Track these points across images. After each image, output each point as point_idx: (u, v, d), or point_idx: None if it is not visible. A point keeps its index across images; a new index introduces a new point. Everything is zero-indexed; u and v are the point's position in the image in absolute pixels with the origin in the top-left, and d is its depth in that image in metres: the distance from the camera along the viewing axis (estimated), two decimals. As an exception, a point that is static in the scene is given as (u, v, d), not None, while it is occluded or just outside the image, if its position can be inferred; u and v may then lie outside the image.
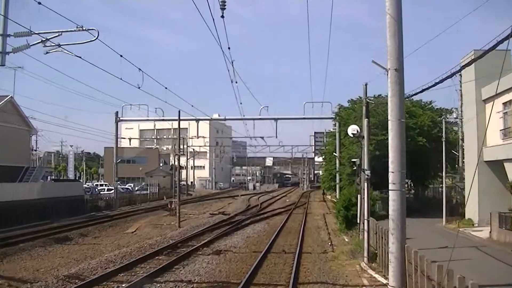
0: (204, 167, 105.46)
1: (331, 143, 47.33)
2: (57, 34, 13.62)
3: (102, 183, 65.50)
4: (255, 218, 31.89)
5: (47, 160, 36.71)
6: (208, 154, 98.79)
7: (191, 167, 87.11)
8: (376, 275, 12.85)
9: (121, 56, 14.64)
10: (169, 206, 34.57)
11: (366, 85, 18.26)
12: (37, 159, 35.56)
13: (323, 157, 55.28)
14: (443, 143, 27.91)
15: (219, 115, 52.60)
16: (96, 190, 51.34)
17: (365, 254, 14.73)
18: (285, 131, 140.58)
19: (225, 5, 11.61)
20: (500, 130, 24.16)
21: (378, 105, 27.82)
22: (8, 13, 13.20)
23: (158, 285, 12.16)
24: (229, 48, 14.80)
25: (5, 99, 32.23)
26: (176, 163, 56.21)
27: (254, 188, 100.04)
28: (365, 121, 15.52)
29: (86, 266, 14.59)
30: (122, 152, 79.20)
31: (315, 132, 68.19)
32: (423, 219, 27.74)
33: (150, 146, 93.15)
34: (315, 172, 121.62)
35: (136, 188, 62.84)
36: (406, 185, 36.05)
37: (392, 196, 9.91)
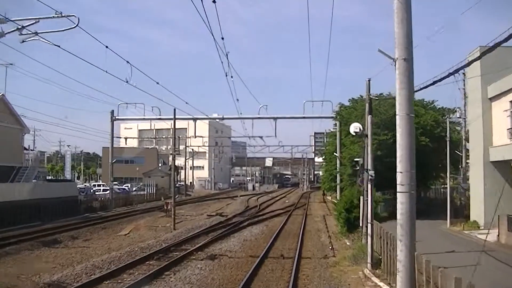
0: (203, 167, 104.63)
1: (331, 143, 46.46)
2: (34, 21, 12.71)
3: (100, 183, 64.62)
4: (253, 220, 30.95)
5: (40, 160, 35.64)
6: (207, 155, 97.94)
7: (190, 167, 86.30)
8: (381, 283, 11.93)
9: (106, 47, 13.76)
10: (165, 207, 33.67)
11: (369, 80, 17.34)
12: (29, 158, 34.58)
13: (323, 157, 54.41)
14: (447, 142, 27.04)
15: (217, 115, 51.78)
16: (91, 190, 50.31)
17: (369, 259, 13.80)
18: (284, 131, 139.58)
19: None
20: (508, 129, 23.28)
21: (380, 103, 26.97)
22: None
23: (145, 294, 11.25)
24: (222, 38, 13.87)
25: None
26: (174, 163, 55.24)
27: (254, 188, 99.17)
28: (368, 118, 14.59)
29: (70, 272, 13.66)
30: (122, 152, 78.64)
31: (315, 133, 67.46)
32: (426, 221, 26.75)
33: (150, 146, 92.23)
34: (315, 172, 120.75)
35: (134, 189, 61.98)
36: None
37: (401, 198, 9.00)
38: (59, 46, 13.05)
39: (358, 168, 15.92)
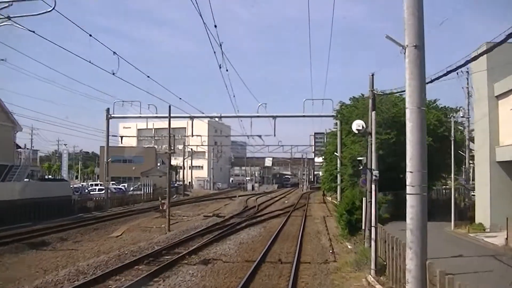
0: (202, 167, 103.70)
1: (331, 143, 45.53)
2: (6, 5, 11.80)
3: (98, 182, 63.70)
4: (251, 221, 30.00)
5: (32, 159, 34.68)
6: (206, 154, 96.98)
7: (189, 167, 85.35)
8: (386, 293, 11.00)
9: (90, 35, 12.86)
10: (160, 207, 32.71)
11: (372, 75, 16.44)
12: (22, 157, 33.62)
13: (323, 157, 53.48)
14: (452, 142, 26.14)
15: (216, 114, 50.86)
16: (86, 190, 49.33)
17: (373, 266, 12.86)
18: (284, 130, 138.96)
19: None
20: (516, 127, 22.35)
21: (381, 101, 26.09)
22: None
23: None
24: (215, 26, 12.91)
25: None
26: (171, 162, 54.25)
27: (253, 188, 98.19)
28: (372, 114, 13.63)
29: (52, 278, 12.72)
30: (122, 152, 77.83)
31: (315, 133, 66.65)
32: (429, 222, 25.69)
33: (149, 146, 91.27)
34: (315, 173, 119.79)
35: (131, 188, 61.04)
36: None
37: (411, 201, 8.06)
38: (33, 32, 12.16)
39: (361, 167, 14.97)
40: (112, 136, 44.05)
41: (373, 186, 13.15)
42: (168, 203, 26.36)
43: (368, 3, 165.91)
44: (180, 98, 30.68)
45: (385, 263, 12.98)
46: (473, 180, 34.63)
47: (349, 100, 37.71)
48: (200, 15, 11.51)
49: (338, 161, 38.12)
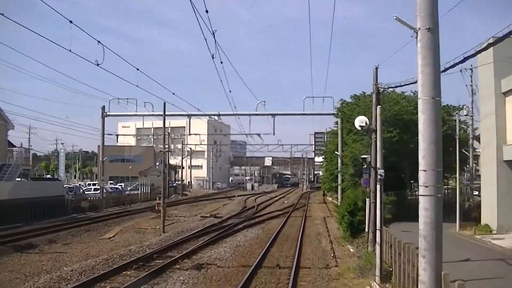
0: (201, 166, 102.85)
1: (332, 142, 44.67)
2: None
3: (95, 182, 62.74)
4: (249, 222, 29.07)
5: (25, 157, 33.75)
6: (206, 154, 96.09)
7: (189, 166, 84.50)
8: (393, 302, 10.07)
9: (70, 22, 11.93)
10: (156, 207, 31.76)
11: (376, 68, 15.54)
12: (14, 156, 32.65)
13: (324, 156, 52.61)
14: (457, 140, 25.27)
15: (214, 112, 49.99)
16: (81, 190, 48.39)
17: (377, 272, 11.92)
18: (283, 130, 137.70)
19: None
20: (525, 125, 21.46)
21: (384, 99, 25.25)
22: None
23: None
24: (207, 11, 11.92)
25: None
26: (170, 161, 53.33)
27: (252, 188, 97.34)
28: (377, 109, 12.67)
29: (31, 285, 11.79)
30: (121, 151, 76.99)
31: (315, 132, 65.95)
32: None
33: (148, 145, 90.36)
34: (315, 172, 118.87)
35: (129, 188, 60.14)
36: (406, 188, 34.22)
37: (424, 203, 7.12)
38: (2, 15, 11.22)
39: (365, 166, 14.03)
40: (108, 134, 43.01)
41: (378, 186, 12.19)
42: (163, 203, 25.43)
43: (368, 3, 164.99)
44: (174, 93, 29.55)
45: (390, 269, 12.07)
46: (476, 180, 33.85)
47: (350, 98, 36.86)
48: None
49: (339, 160, 37.24)
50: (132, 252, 17.05)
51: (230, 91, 25.36)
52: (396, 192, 27.33)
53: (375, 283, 11.83)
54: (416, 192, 38.94)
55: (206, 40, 13.56)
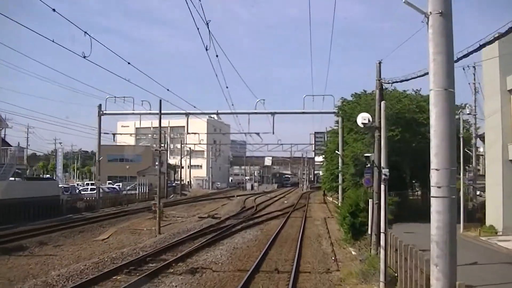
0: (201, 166, 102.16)
1: (332, 141, 44.00)
2: None
3: (94, 182, 62.04)
4: (247, 222, 28.38)
5: (19, 157, 33.02)
6: (205, 153, 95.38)
7: (188, 166, 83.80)
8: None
9: (53, 10, 11.23)
10: (153, 208, 31.03)
11: (380, 63, 14.86)
12: (8, 155, 31.89)
13: (324, 156, 51.92)
14: (461, 139, 24.59)
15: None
16: (77, 189, 47.66)
17: (381, 277, 11.21)
18: (283, 129, 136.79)
19: None
20: (532, 123, 20.77)
21: (385, 98, 24.57)
22: None
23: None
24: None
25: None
26: (169, 161, 52.61)
27: (252, 188, 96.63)
28: (382, 105, 11.95)
29: (14, 291, 11.11)
30: (121, 151, 76.26)
31: (315, 132, 65.27)
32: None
33: (147, 144, 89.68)
34: (315, 172, 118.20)
35: (128, 188, 59.46)
36: (408, 188, 33.60)
37: (437, 206, 6.43)
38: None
39: (368, 165, 13.34)
40: (104, 133, 42.24)
41: (382, 186, 11.48)
42: (158, 204, 24.72)
43: (368, 3, 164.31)
44: (168, 89, 28.64)
45: (396, 274, 11.38)
46: (478, 180, 33.16)
47: (351, 96, 36.20)
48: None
49: (340, 160, 36.60)
50: (124, 255, 16.34)
51: (227, 87, 24.33)
52: (398, 192, 26.73)
53: (379, 289, 11.14)
54: (417, 192, 38.47)
55: (198, 29, 12.79)
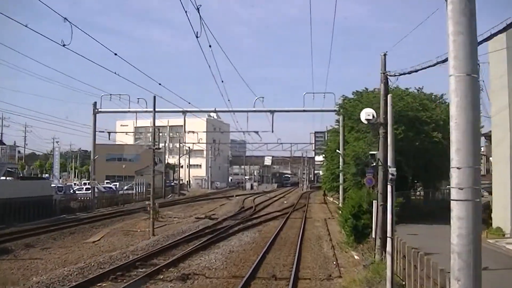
0: (200, 165, 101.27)
1: (333, 140, 43.13)
2: None
3: (86, 181, 61.15)
4: (245, 224, 27.46)
5: (10, 155, 32.12)
6: (205, 153, 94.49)
7: (187, 165, 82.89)
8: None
9: (45, 4, 10.34)
10: (148, 208, 30.12)
11: (384, 55, 13.92)
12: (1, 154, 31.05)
13: (324, 155, 51.03)
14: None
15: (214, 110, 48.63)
16: (72, 189, 46.75)
17: (388, 286, 10.29)
18: (283, 128, 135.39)
19: None
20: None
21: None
22: None
23: None
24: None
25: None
26: (168, 160, 51.61)
27: (252, 188, 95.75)
28: (388, 98, 11.00)
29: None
30: (121, 150, 75.33)
31: (315, 132, 64.46)
32: (438, 225, 23.05)
33: (143, 144, 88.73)
34: (315, 172, 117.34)
35: (125, 187, 58.59)
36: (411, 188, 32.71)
37: (458, 211, 5.46)
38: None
39: (373, 164, 12.41)
40: (100, 132, 41.29)
41: (389, 186, 10.54)
42: (152, 204, 23.84)
43: (368, 3, 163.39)
44: (159, 84, 26.67)
45: (404, 283, 10.48)
46: (481, 180, 32.28)
47: (352, 94, 35.31)
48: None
49: (341, 159, 35.72)
50: (113, 259, 15.43)
51: (222, 81, 23.09)
52: (401, 193, 25.94)
53: (385, 299, 10.23)
54: (419, 193, 37.55)
55: (186, 12, 11.80)
